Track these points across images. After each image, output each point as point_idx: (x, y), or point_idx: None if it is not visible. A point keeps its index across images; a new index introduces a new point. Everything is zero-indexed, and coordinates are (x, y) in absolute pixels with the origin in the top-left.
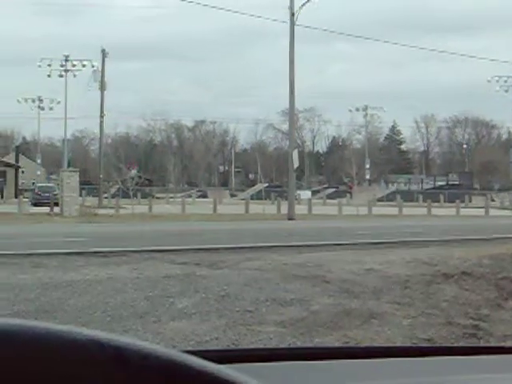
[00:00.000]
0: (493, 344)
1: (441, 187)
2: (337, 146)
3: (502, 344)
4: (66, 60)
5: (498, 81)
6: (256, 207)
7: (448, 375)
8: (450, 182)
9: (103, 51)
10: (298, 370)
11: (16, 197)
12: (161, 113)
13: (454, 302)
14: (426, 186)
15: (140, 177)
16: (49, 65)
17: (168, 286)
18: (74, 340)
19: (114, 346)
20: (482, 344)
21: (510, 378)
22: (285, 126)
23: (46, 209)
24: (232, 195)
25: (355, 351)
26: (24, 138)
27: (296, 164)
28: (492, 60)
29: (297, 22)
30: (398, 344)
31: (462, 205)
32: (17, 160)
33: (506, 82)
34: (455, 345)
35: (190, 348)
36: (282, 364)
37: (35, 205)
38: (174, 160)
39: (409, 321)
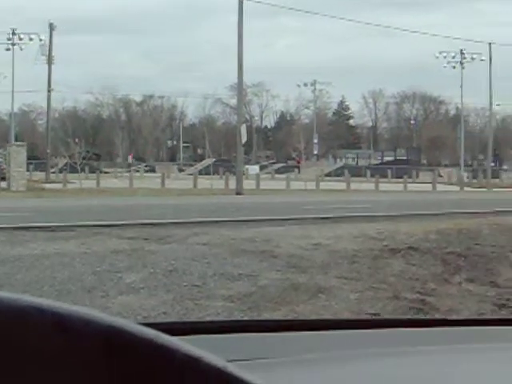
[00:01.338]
0: (438, 316)
1: (389, 162)
2: (285, 121)
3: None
4: (13, 33)
5: (445, 57)
6: (204, 182)
7: (395, 347)
8: (398, 158)
9: (51, 25)
10: (247, 341)
11: None
12: (109, 87)
13: (401, 276)
14: (373, 162)
15: (88, 151)
16: None
17: (116, 261)
18: (11, 304)
19: (55, 312)
20: (428, 316)
21: (455, 349)
22: (233, 101)
23: None
24: (180, 170)
25: (305, 323)
26: None
27: (244, 139)
28: (444, 36)
29: None
30: (348, 317)
31: (410, 180)
32: None
33: (453, 57)
34: (403, 317)
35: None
36: (230, 336)
37: None
38: (122, 134)
39: (356, 295)
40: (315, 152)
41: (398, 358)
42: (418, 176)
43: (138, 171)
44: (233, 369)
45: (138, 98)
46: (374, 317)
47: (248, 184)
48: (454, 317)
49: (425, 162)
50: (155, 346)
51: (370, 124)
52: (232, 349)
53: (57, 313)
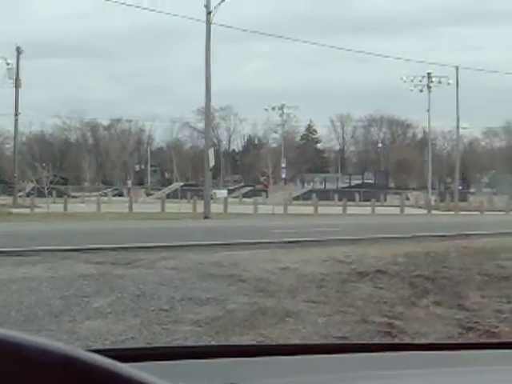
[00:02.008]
0: (405, 340)
1: (356, 186)
2: (253, 144)
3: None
4: None
5: (412, 80)
6: (172, 206)
7: (363, 370)
8: (366, 181)
9: (18, 48)
10: (201, 367)
11: None
12: (76, 111)
13: (368, 300)
14: (341, 185)
15: (55, 175)
16: None
17: (83, 286)
18: None
19: (11, 342)
20: (397, 341)
21: (423, 373)
22: (201, 125)
23: None
24: (148, 194)
25: (266, 349)
26: None
27: (212, 163)
28: (407, 60)
29: (213, 21)
30: (312, 341)
31: (378, 203)
32: None
33: (420, 81)
34: (370, 341)
35: (104, 347)
36: (185, 362)
37: None
38: (90, 158)
39: (324, 319)
40: (283, 176)
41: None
42: (385, 199)
43: (105, 195)
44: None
45: (106, 122)
46: (339, 341)
47: (216, 208)
48: (422, 341)
49: (392, 185)
50: (111, 374)
51: (338, 147)
52: (186, 375)
53: (14, 342)
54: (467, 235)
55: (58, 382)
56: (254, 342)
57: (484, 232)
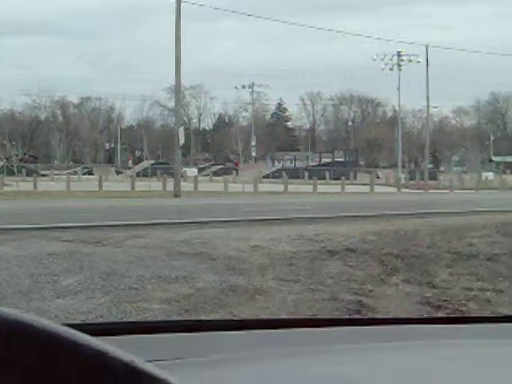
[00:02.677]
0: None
1: (326, 164)
2: (223, 123)
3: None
4: None
5: (383, 59)
6: (142, 184)
7: (332, 344)
8: (336, 159)
9: None
10: (167, 341)
11: None
12: (46, 89)
13: (338, 278)
14: (311, 164)
15: (25, 153)
16: None
17: (53, 264)
18: None
19: None
20: (358, 316)
21: (386, 346)
22: (171, 103)
23: None
24: (118, 172)
25: (228, 323)
26: None
27: (182, 141)
28: (377, 38)
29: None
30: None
31: (348, 182)
32: None
33: (391, 60)
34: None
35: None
36: (150, 336)
37: None
38: (60, 137)
39: (294, 297)
40: (253, 154)
41: (319, 356)
42: (355, 177)
43: (75, 173)
44: (139, 363)
45: (76, 100)
46: (305, 316)
47: (186, 186)
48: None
49: (363, 163)
50: (60, 339)
51: (308, 126)
52: (152, 349)
53: None
54: (436, 213)
55: (5, 345)
56: (220, 317)
57: (453, 210)
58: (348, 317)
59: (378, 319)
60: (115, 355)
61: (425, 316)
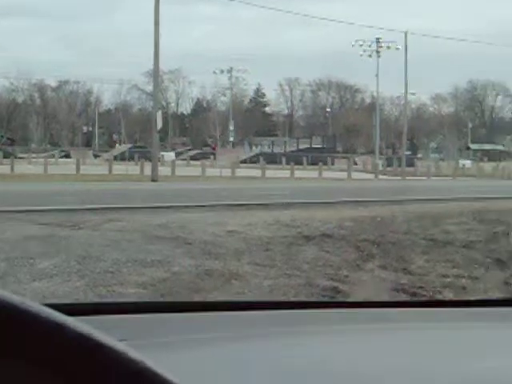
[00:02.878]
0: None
1: (304, 150)
2: (201, 107)
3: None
4: None
5: (361, 45)
6: (120, 168)
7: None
8: (314, 145)
9: None
10: (139, 322)
11: None
12: (24, 72)
13: (314, 263)
14: (289, 149)
15: (2, 136)
16: None
17: (29, 247)
18: None
19: None
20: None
21: (356, 329)
22: (149, 87)
23: None
24: (95, 156)
25: (203, 305)
26: None
27: (159, 125)
28: (357, 25)
29: None
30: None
31: (325, 167)
32: None
33: (369, 46)
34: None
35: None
36: (124, 317)
37: None
38: (37, 120)
39: (269, 282)
40: (231, 139)
41: (288, 338)
42: (333, 163)
43: (52, 157)
44: (96, 335)
45: (54, 83)
46: (279, 299)
47: (163, 170)
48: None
49: (340, 149)
50: (18, 310)
51: (286, 111)
52: (125, 329)
53: None
54: (413, 200)
55: None
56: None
57: (430, 197)
58: (320, 300)
59: (352, 302)
60: (73, 327)
61: (397, 300)
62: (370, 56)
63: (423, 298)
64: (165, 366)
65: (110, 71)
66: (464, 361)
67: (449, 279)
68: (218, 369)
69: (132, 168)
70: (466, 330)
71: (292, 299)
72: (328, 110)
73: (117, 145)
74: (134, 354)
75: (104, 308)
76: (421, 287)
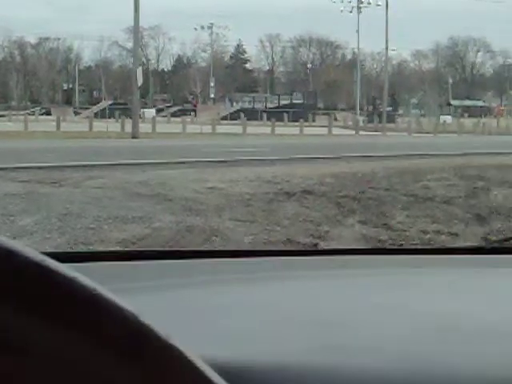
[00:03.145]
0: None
1: (285, 106)
2: (182, 64)
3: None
4: None
5: (342, 1)
6: (100, 125)
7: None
8: (295, 101)
9: None
10: (137, 268)
11: None
12: (3, 29)
13: (295, 219)
14: (270, 105)
15: None
16: None
17: (9, 205)
18: None
19: None
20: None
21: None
22: (129, 44)
23: None
24: (76, 113)
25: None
26: None
27: (140, 82)
28: None
29: None
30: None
31: (306, 124)
32: None
33: (350, 2)
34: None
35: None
36: (119, 264)
37: None
38: (17, 77)
39: (250, 238)
40: (212, 95)
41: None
42: (314, 120)
43: (33, 114)
44: (50, 261)
45: (34, 41)
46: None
47: (144, 127)
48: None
49: (321, 105)
50: (28, 262)
51: (267, 68)
52: (111, 276)
53: None
54: (394, 156)
55: None
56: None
57: (411, 153)
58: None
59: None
60: (80, 281)
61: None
62: (350, 12)
63: (394, 246)
64: (141, 307)
65: (90, 28)
66: (427, 302)
67: (429, 235)
68: (198, 311)
69: (112, 125)
70: (428, 275)
71: (274, 248)
72: (309, 66)
73: (103, 101)
74: (87, 281)
75: (88, 256)
76: (401, 244)
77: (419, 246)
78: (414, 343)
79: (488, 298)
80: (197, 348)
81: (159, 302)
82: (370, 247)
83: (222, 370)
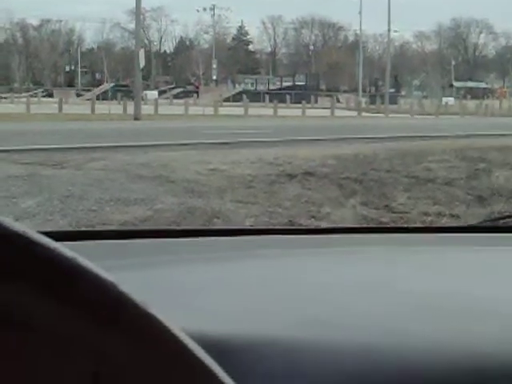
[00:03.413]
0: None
1: (287, 88)
2: (184, 46)
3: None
4: None
5: None
6: (102, 107)
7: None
8: (297, 83)
9: None
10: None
11: None
12: (5, 10)
13: (296, 200)
14: (272, 87)
15: None
16: None
17: (11, 187)
18: None
19: None
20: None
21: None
22: (132, 26)
23: None
24: (78, 95)
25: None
26: None
27: (142, 63)
28: None
29: None
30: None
31: (309, 105)
32: None
33: None
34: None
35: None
36: (110, 242)
37: None
38: (19, 59)
39: (251, 219)
40: (214, 77)
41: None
42: (316, 101)
43: (35, 96)
44: (83, 261)
45: (36, 23)
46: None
47: (147, 109)
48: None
49: (324, 87)
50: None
51: (269, 49)
52: (102, 253)
53: None
54: (396, 138)
55: None
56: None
57: (413, 134)
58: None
59: (327, 229)
60: (60, 251)
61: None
62: None
63: (394, 225)
64: (126, 283)
65: (92, 9)
66: (427, 280)
67: (430, 217)
68: (182, 288)
69: (115, 107)
70: (418, 253)
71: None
72: (311, 48)
73: (105, 83)
74: (67, 251)
75: (83, 234)
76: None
77: (413, 225)
78: (398, 320)
79: (476, 275)
80: (179, 321)
81: (145, 279)
82: (364, 226)
83: (205, 343)
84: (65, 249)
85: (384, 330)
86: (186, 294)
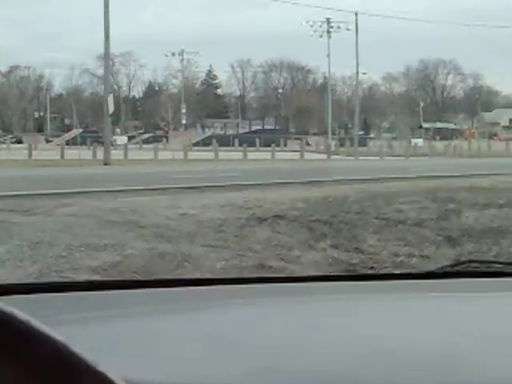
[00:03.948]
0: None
1: (257, 131)
2: (153, 91)
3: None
4: None
5: (312, 26)
6: (72, 152)
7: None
8: (266, 127)
9: None
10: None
11: None
12: None
13: (267, 244)
14: (241, 131)
15: None
16: None
17: None
18: None
19: None
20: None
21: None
22: (100, 71)
23: None
24: (48, 141)
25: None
26: None
27: (111, 109)
28: (306, 5)
29: None
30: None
31: (278, 149)
32: None
33: (320, 26)
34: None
35: None
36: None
37: None
38: None
39: (222, 263)
40: (183, 122)
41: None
42: (286, 144)
43: (3, 142)
44: (35, 323)
45: (4, 69)
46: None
47: (116, 154)
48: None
49: (293, 130)
50: None
51: (238, 93)
52: (50, 306)
53: None
54: (365, 180)
55: None
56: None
57: (382, 176)
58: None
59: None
60: (15, 315)
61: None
62: (321, 37)
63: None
64: (84, 337)
65: (62, 56)
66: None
67: (400, 258)
68: (137, 339)
69: (84, 152)
70: (375, 300)
71: (228, 276)
72: (280, 91)
73: (74, 128)
74: (21, 314)
75: (33, 287)
76: (372, 267)
77: (371, 272)
78: (353, 365)
79: (427, 321)
80: (131, 373)
81: (98, 333)
82: (324, 274)
83: None
84: (19, 312)
85: (338, 375)
86: (136, 346)
